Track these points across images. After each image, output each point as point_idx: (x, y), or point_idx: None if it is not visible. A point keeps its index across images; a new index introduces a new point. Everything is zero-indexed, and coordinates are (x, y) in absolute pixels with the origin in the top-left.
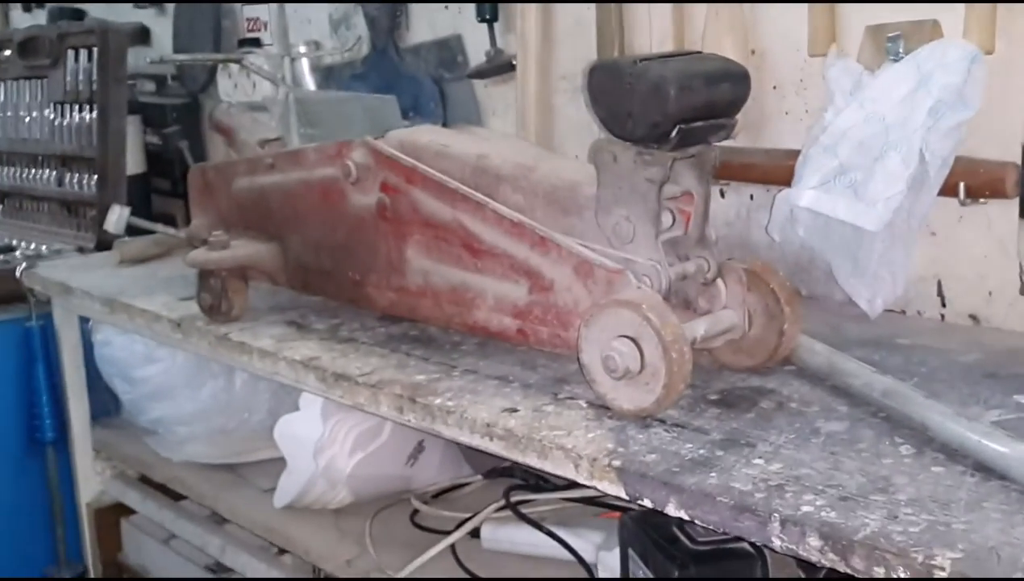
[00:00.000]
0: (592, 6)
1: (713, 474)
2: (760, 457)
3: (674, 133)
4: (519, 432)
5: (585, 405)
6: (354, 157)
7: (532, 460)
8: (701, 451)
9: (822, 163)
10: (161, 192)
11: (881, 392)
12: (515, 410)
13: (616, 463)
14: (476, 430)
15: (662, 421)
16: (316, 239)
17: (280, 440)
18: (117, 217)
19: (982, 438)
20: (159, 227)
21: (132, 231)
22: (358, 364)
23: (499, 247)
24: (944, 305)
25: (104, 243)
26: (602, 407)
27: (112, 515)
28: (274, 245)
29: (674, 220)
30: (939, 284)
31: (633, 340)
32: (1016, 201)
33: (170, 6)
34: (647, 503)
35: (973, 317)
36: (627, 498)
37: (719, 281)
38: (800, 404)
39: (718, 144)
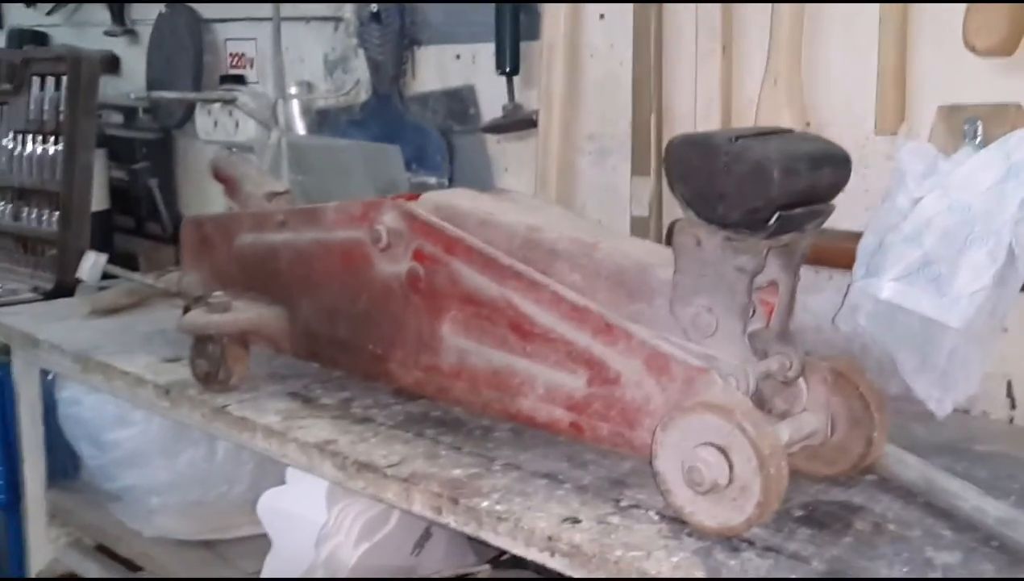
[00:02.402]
0: (625, 62)
1: None
2: None
3: (773, 220)
4: (588, 550)
5: (656, 517)
6: (385, 221)
7: None
8: None
9: (904, 253)
10: (124, 230)
11: (996, 520)
12: (577, 520)
13: None
14: (534, 543)
15: (751, 543)
16: (331, 306)
17: (265, 517)
18: (92, 264)
19: None
20: (136, 276)
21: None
22: (382, 451)
23: (555, 331)
24: (1014, 407)
25: (64, 286)
26: (677, 521)
27: None
28: (280, 309)
29: (754, 312)
30: (1009, 385)
31: (721, 450)
32: None
33: (144, 34)
34: None
35: None
36: None
37: (800, 380)
38: (899, 526)
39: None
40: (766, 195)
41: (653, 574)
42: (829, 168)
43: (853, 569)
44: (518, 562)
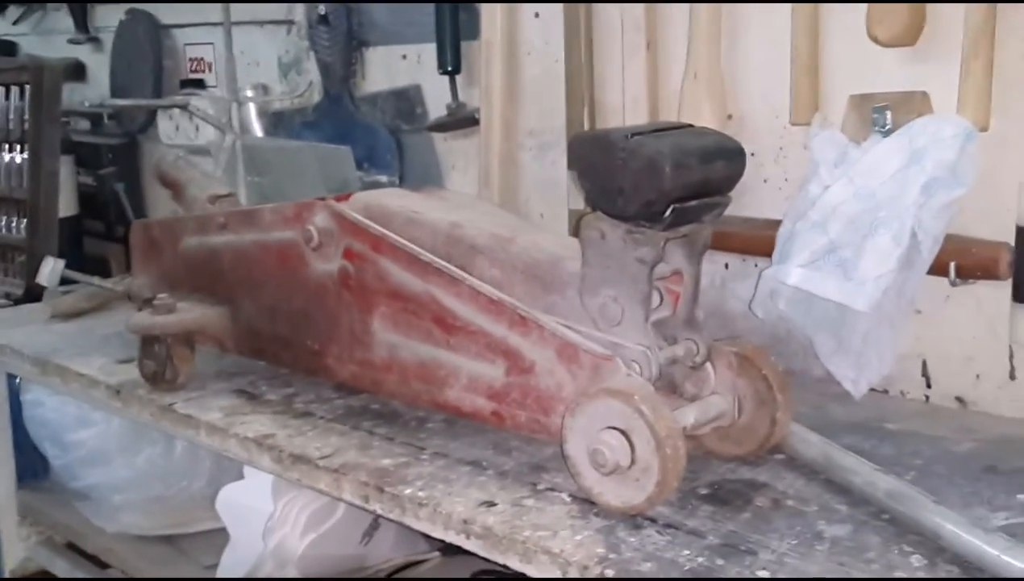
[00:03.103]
0: (560, 59)
1: None
2: (764, 568)
3: (668, 212)
4: (499, 531)
5: (568, 499)
6: (316, 221)
7: (513, 563)
8: (700, 559)
9: (810, 240)
10: (94, 234)
11: (885, 493)
12: (493, 503)
13: (609, 573)
14: (451, 526)
15: (653, 520)
16: (271, 305)
17: (223, 511)
18: (51, 270)
19: (1002, 553)
20: (95, 281)
21: (63, 282)
22: (317, 444)
23: (475, 324)
24: (929, 386)
25: (33, 291)
26: (587, 502)
27: None
28: (224, 309)
29: (662, 300)
30: (924, 364)
31: (623, 433)
32: (1008, 283)
33: (107, 41)
34: None
35: (959, 399)
36: None
37: (708, 365)
38: (797, 502)
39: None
40: (659, 189)
41: (556, 552)
42: (722, 161)
43: (746, 543)
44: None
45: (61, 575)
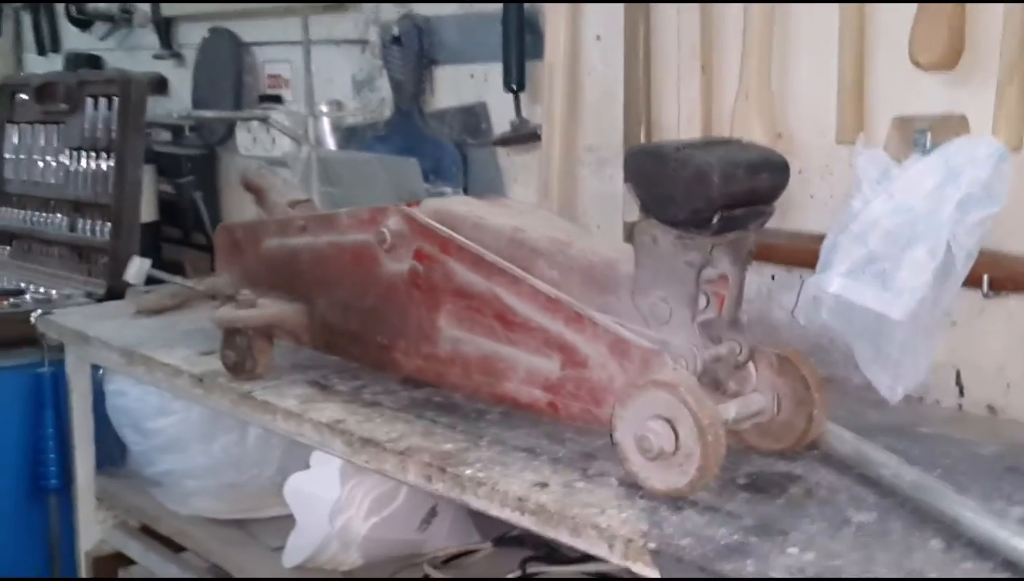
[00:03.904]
0: (619, 80)
1: (749, 561)
2: (794, 545)
3: (715, 219)
4: (551, 508)
5: (616, 483)
6: (389, 224)
7: (564, 537)
8: (735, 537)
9: (851, 251)
10: (172, 240)
11: (910, 484)
12: (546, 484)
13: (651, 545)
14: (507, 504)
15: (694, 503)
16: (344, 301)
17: (290, 498)
18: (137, 268)
19: (1011, 537)
20: (178, 280)
21: (148, 281)
22: (385, 429)
23: (533, 321)
24: (962, 394)
25: (115, 291)
26: (633, 486)
27: (110, 565)
28: (300, 305)
29: (708, 302)
30: (958, 374)
31: (668, 421)
32: None
33: (189, 57)
34: None
35: (991, 408)
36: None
37: (750, 364)
38: (829, 492)
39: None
40: (707, 197)
41: (604, 527)
42: (767, 173)
43: (778, 524)
44: (518, 540)
45: (134, 556)
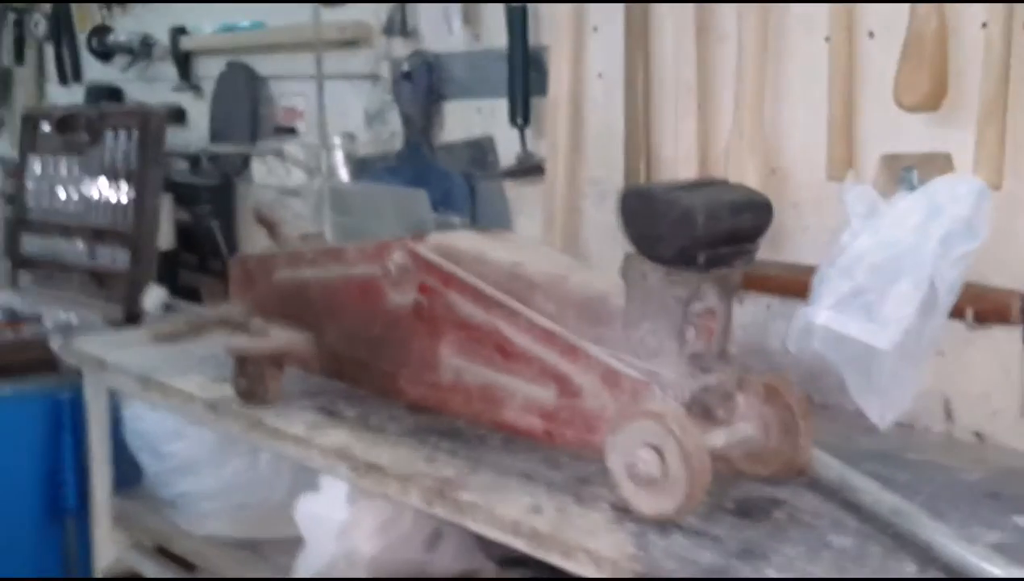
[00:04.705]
0: (620, 116)
1: None
2: (773, 568)
3: (701, 257)
4: (544, 531)
5: (608, 507)
6: (394, 259)
7: (555, 559)
8: (718, 560)
9: (838, 284)
10: (188, 267)
11: (889, 510)
12: (540, 509)
13: (637, 568)
14: (503, 527)
15: (681, 527)
16: (352, 331)
17: (300, 519)
18: (153, 296)
19: (980, 561)
20: (194, 308)
21: (164, 308)
22: (389, 455)
23: (530, 352)
24: (951, 421)
25: (132, 316)
26: (625, 510)
27: None
28: (310, 334)
29: (696, 334)
30: (946, 402)
31: (656, 449)
32: (1020, 328)
33: (207, 89)
34: None
35: (978, 434)
36: None
37: (738, 394)
38: (812, 517)
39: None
40: (693, 236)
41: (593, 550)
42: (750, 213)
43: (760, 548)
44: (521, 561)
45: (149, 576)
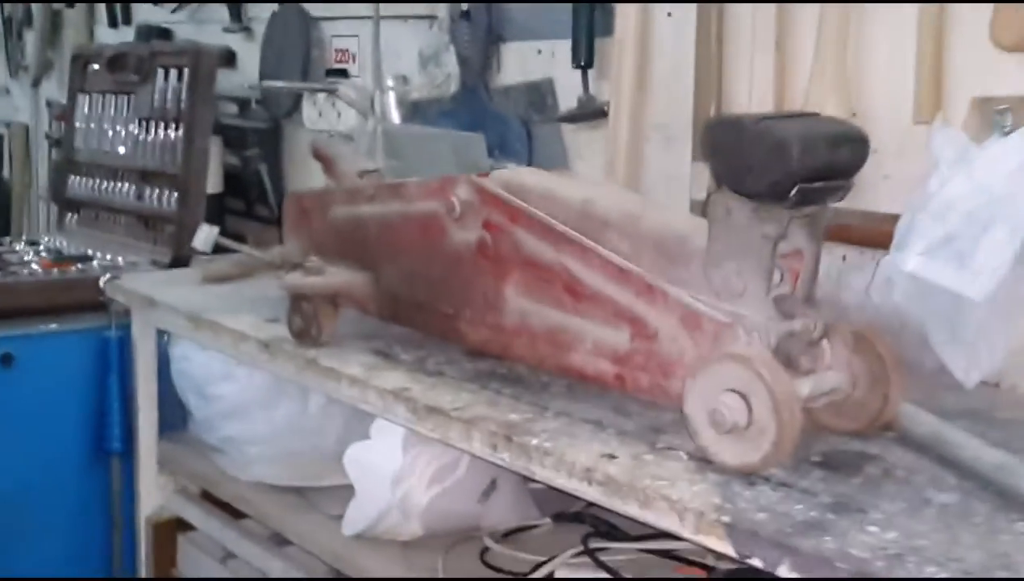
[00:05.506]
0: (690, 57)
1: (828, 538)
2: (874, 524)
3: (793, 192)
4: (620, 479)
5: (685, 457)
6: (459, 194)
7: (633, 509)
8: (812, 513)
9: (929, 230)
10: (235, 212)
11: (992, 466)
12: (614, 456)
13: (725, 519)
14: (575, 474)
15: (767, 479)
16: (411, 271)
17: (350, 467)
18: (206, 235)
19: None
20: (245, 248)
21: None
22: (449, 398)
23: (603, 292)
24: None
25: (180, 259)
26: (704, 460)
27: (170, 530)
28: (367, 274)
29: (782, 277)
30: None
31: (742, 395)
32: None
33: (258, 31)
34: (757, 563)
35: None
36: (734, 556)
37: (824, 341)
38: (907, 472)
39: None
40: (786, 169)
41: (675, 499)
42: (847, 147)
43: (856, 503)
44: (577, 517)
45: (194, 522)
